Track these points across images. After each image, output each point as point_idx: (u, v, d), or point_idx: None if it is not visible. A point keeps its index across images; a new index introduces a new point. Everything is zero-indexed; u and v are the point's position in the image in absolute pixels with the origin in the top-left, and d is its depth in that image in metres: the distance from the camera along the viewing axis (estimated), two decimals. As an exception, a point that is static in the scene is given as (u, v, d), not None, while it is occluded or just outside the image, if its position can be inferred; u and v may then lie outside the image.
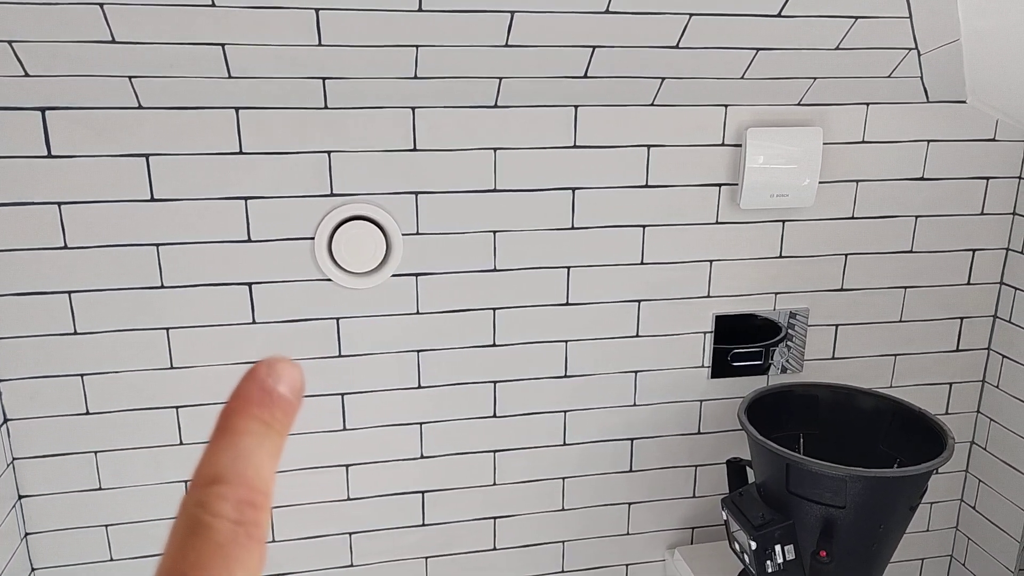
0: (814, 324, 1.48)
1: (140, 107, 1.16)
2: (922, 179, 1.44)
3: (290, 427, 0.26)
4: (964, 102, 1.41)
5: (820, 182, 1.39)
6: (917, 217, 1.46)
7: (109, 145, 1.16)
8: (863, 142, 1.40)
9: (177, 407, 1.28)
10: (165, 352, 1.26)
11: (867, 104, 1.38)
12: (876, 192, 1.43)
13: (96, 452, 1.28)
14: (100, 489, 1.30)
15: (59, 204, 1.17)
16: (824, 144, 1.37)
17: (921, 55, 1.28)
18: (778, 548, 1.24)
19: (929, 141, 1.42)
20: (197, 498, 0.24)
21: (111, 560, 1.33)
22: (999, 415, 1.55)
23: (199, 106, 1.17)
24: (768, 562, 1.24)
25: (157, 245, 1.21)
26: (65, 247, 1.19)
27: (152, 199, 1.19)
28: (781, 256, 1.42)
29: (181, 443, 1.30)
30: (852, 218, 1.43)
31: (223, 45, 1.07)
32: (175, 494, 1.32)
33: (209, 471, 0.24)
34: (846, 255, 1.45)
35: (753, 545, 1.23)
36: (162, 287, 1.23)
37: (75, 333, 1.22)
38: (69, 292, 1.21)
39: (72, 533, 1.30)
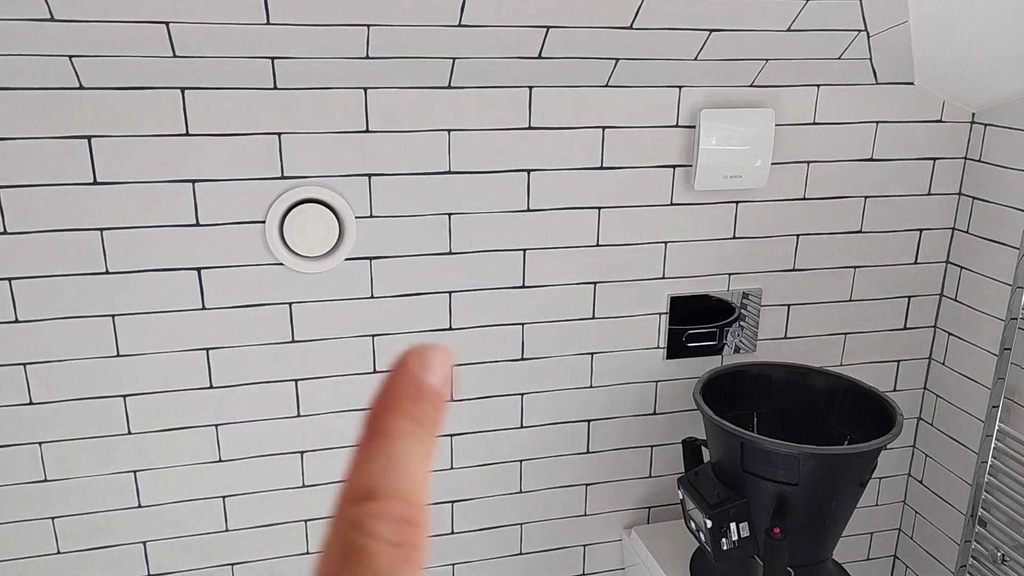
0: (767, 304, 1.50)
1: (81, 87, 1.12)
2: (871, 160, 1.46)
3: (441, 424, 0.24)
4: (912, 84, 1.43)
5: (772, 163, 1.40)
6: (866, 198, 1.48)
7: (49, 127, 1.12)
8: (814, 123, 1.41)
9: (125, 396, 1.25)
10: (111, 340, 1.22)
11: (818, 86, 1.40)
12: (826, 173, 1.45)
13: (40, 443, 1.24)
14: (46, 481, 1.26)
15: (-4, 188, 1.13)
16: (776, 125, 1.38)
17: (870, 37, 1.29)
18: (733, 526, 1.25)
19: (878, 122, 1.44)
20: (351, 517, 0.22)
21: (59, 553, 1.30)
22: (945, 391, 1.59)
23: (143, 86, 1.14)
24: (723, 539, 1.25)
25: (101, 230, 1.18)
26: (5, 232, 1.15)
27: (95, 182, 1.16)
28: (734, 237, 1.44)
29: (129, 432, 1.27)
30: (803, 199, 1.45)
31: (167, 23, 1.03)
32: (124, 485, 1.29)
33: (361, 484, 0.22)
34: (798, 236, 1.47)
35: (709, 523, 1.25)
36: (107, 273, 1.20)
37: (16, 321, 1.18)
38: (9, 279, 1.17)
39: (17, 526, 1.27)
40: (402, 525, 0.22)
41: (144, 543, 1.33)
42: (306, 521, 1.39)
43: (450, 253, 1.32)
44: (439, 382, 0.24)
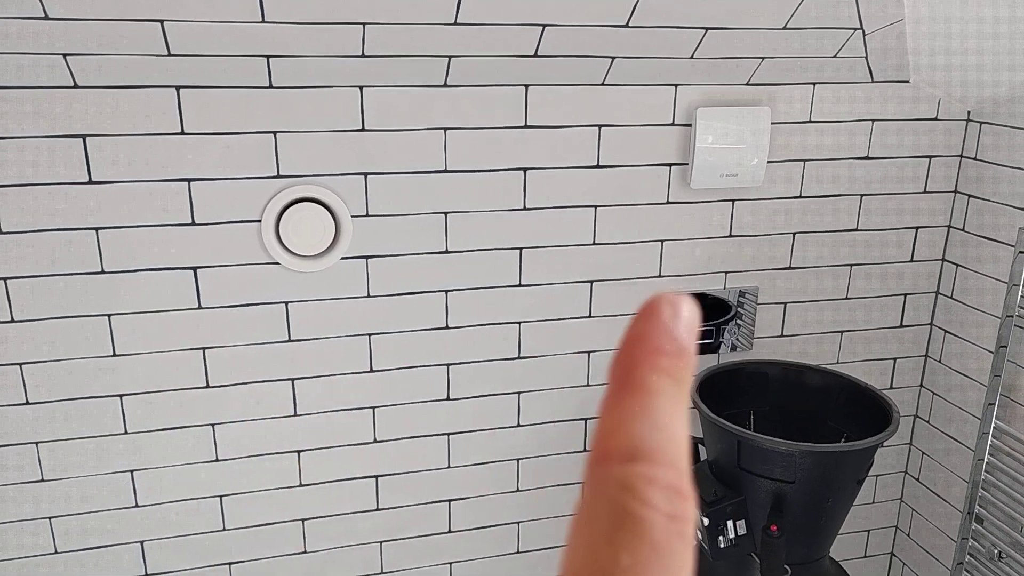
0: (763, 302, 1.50)
1: (76, 86, 1.12)
2: (867, 158, 1.46)
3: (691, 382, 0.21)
4: (907, 82, 1.43)
5: (768, 161, 1.40)
6: (862, 196, 1.48)
7: (44, 126, 1.12)
8: (810, 122, 1.41)
9: (121, 395, 1.25)
10: (107, 339, 1.22)
11: (814, 84, 1.40)
12: (823, 171, 1.45)
13: (37, 443, 1.24)
14: (42, 481, 1.26)
15: (-8, 187, 1.13)
16: (772, 124, 1.38)
17: (866, 35, 1.30)
18: (730, 524, 1.25)
19: (874, 120, 1.44)
20: (621, 479, 0.19)
21: (56, 553, 1.30)
22: (941, 389, 1.59)
23: (138, 85, 1.13)
24: (720, 537, 1.25)
25: (97, 229, 1.18)
26: (0, 232, 1.15)
27: (90, 181, 1.16)
28: (731, 235, 1.44)
29: (126, 432, 1.27)
30: (800, 197, 1.45)
31: (161, 21, 1.03)
32: (121, 484, 1.29)
33: (626, 441, 0.20)
34: (794, 234, 1.47)
35: (705, 521, 1.25)
36: (103, 272, 1.19)
37: (12, 321, 1.18)
38: (5, 279, 1.16)
39: (14, 526, 1.27)
40: (674, 496, 0.19)
41: (141, 543, 1.33)
42: (303, 520, 1.39)
43: (446, 252, 1.31)
44: (690, 336, 0.21)
